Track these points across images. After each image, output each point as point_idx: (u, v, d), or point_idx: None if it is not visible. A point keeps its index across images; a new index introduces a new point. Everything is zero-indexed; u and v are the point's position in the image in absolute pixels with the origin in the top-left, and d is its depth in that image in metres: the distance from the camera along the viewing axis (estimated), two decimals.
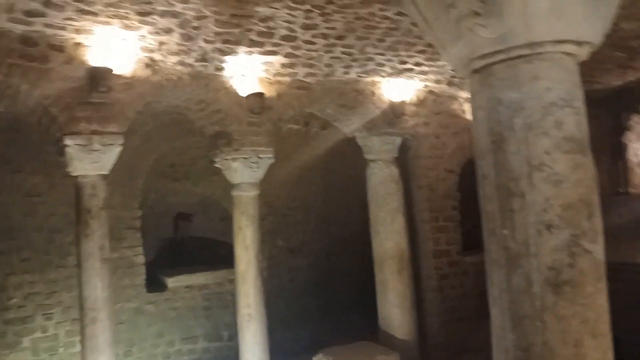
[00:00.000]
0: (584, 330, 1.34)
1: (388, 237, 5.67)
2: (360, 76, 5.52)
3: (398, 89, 5.77)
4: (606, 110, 6.88)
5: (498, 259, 1.46)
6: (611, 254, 5.45)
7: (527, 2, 1.31)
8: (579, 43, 1.39)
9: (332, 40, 4.91)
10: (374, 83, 5.68)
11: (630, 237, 6.14)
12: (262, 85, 5.08)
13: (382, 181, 5.80)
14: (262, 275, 5.24)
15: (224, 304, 6.79)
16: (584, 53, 1.44)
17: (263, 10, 4.29)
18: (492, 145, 1.45)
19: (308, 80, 5.29)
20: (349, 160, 7.06)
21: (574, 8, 1.33)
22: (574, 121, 1.39)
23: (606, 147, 7.20)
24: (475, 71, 1.48)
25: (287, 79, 5.20)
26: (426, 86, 6.02)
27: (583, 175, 1.39)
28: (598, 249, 1.40)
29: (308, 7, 4.42)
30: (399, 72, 5.64)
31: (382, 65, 5.44)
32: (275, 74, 5.08)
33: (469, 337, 5.70)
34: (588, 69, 5.65)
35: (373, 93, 5.68)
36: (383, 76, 5.63)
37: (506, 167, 1.42)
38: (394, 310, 5.51)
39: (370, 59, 5.31)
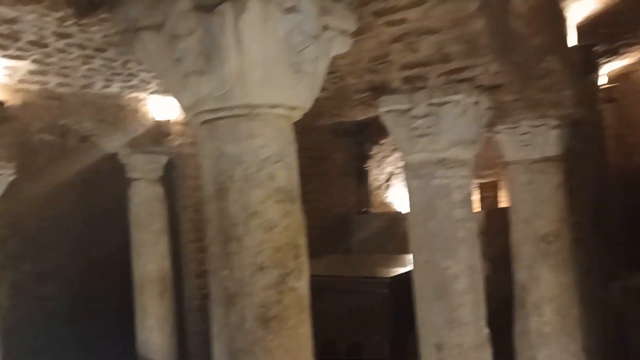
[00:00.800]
0: (287, 359, 1.54)
1: (151, 259, 5.52)
2: (123, 91, 5.29)
3: (164, 106, 5.70)
4: (352, 140, 7.92)
5: (218, 297, 1.58)
6: (353, 269, 6.20)
7: (243, 71, 1.47)
8: (290, 107, 1.60)
9: (90, 52, 4.60)
10: (138, 99, 5.50)
11: (370, 251, 7.15)
12: (3, 92, 4.49)
13: (145, 201, 5.62)
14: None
15: None
16: (296, 115, 1.66)
17: (4, 10, 3.81)
18: (216, 193, 1.57)
19: (61, 90, 4.85)
20: (112, 177, 6.66)
21: (283, 79, 1.54)
22: (285, 175, 1.59)
23: (352, 172, 8.29)
24: (203, 122, 1.59)
25: (35, 87, 4.69)
26: None
27: (292, 221, 1.61)
28: (303, 285, 1.62)
29: (62, 14, 4.08)
30: (165, 90, 5.57)
31: (148, 82, 5.31)
32: (20, 81, 4.54)
33: None
34: (338, 105, 6.42)
35: (137, 109, 5.49)
36: (148, 93, 5.49)
37: (227, 213, 1.55)
38: (154, 334, 5.38)
39: (134, 75, 5.13)
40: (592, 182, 5.09)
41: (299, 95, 1.61)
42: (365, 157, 8.39)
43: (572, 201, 4.31)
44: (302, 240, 1.65)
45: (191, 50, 1.50)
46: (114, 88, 5.19)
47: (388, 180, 8.94)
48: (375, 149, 8.45)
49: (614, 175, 6.51)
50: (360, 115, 7.12)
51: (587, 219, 4.76)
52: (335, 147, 7.93)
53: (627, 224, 6.24)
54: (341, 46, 1.78)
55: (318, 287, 5.43)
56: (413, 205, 2.89)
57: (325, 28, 1.65)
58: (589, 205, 4.86)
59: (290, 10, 1.52)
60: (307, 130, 7.45)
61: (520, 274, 4.07)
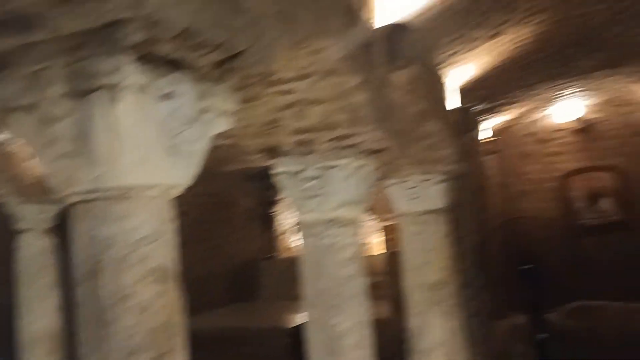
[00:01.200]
0: None
1: (39, 316, 5.15)
2: (12, 138, 5.00)
3: None
4: (259, 185, 7.98)
5: None
6: (256, 318, 6.15)
7: (117, 155, 1.49)
8: (167, 187, 1.64)
9: None
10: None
11: (276, 298, 7.13)
12: None
13: (35, 253, 5.28)
14: None
15: None
16: (174, 193, 1.70)
17: None
18: (87, 275, 1.55)
19: None
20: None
21: (159, 162, 1.58)
22: (161, 254, 1.61)
23: (258, 217, 8.33)
24: (73, 204, 1.58)
25: None
26: None
27: (167, 300, 1.62)
28: None
29: None
30: None
31: None
32: None
33: None
34: (244, 152, 6.47)
35: (27, 157, 5.20)
36: None
37: (98, 296, 1.53)
38: None
39: None
40: (477, 229, 5.51)
41: (176, 175, 1.65)
42: (271, 202, 8.48)
43: (459, 248, 4.64)
44: (178, 319, 1.66)
45: (65, 133, 1.51)
46: (2, 135, 4.90)
47: (294, 225, 9.06)
48: (281, 194, 8.53)
49: (499, 221, 7.08)
50: (267, 161, 7.21)
51: (473, 264, 5.12)
52: (241, 192, 7.94)
53: (509, 266, 6.77)
54: (223, 125, 1.85)
55: (219, 339, 5.32)
56: (306, 263, 2.99)
57: (205, 111, 1.72)
58: (474, 251, 5.24)
59: (167, 96, 1.58)
60: (213, 177, 7.41)
61: (412, 321, 4.28)
